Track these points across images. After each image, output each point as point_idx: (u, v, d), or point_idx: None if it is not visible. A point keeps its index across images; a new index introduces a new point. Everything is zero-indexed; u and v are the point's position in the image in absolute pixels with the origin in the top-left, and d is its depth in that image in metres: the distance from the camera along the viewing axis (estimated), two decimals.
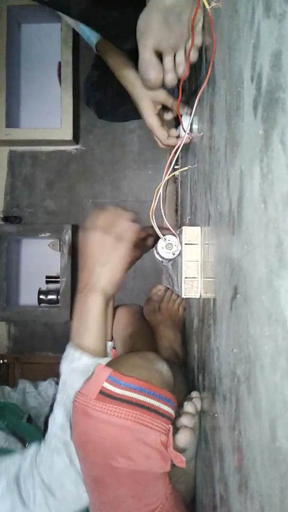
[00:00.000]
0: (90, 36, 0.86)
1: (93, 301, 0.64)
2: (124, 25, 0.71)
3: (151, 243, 0.83)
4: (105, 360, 0.62)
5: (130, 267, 0.69)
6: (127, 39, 0.72)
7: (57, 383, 0.95)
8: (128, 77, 0.81)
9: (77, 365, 0.62)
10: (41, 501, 0.59)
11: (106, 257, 0.64)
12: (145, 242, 0.84)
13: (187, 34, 0.62)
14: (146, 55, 0.65)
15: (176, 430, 0.60)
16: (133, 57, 0.75)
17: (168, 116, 0.82)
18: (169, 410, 0.56)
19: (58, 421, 0.60)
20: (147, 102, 0.80)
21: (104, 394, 0.54)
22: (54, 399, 0.65)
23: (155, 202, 0.67)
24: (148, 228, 0.80)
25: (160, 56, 0.66)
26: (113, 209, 0.68)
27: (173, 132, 0.81)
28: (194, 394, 0.68)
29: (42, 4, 0.71)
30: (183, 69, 0.65)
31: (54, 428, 0.60)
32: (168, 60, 0.65)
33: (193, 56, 0.64)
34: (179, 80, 0.68)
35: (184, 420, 0.62)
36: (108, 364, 0.59)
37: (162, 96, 0.79)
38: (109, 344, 0.68)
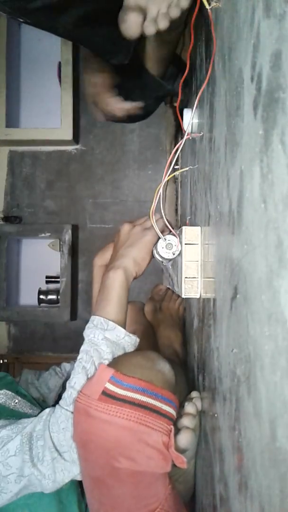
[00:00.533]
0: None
1: (115, 276, 0.67)
2: (111, 42, 0.72)
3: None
4: (133, 340, 0.66)
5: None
6: (115, 54, 0.73)
7: (57, 372, 0.97)
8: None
9: (110, 335, 0.64)
10: (48, 462, 0.60)
11: (132, 240, 0.70)
12: None
13: (166, 2, 0.63)
14: (129, 2, 0.65)
15: (177, 430, 0.60)
16: (120, 71, 0.76)
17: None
18: (171, 411, 0.56)
19: (78, 387, 0.61)
20: None
21: (107, 394, 0.54)
22: (61, 388, 0.67)
23: (155, 202, 0.67)
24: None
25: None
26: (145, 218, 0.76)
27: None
28: (194, 394, 0.68)
29: (27, 24, 0.71)
30: (164, 23, 0.65)
31: (73, 393, 0.61)
32: (150, 13, 0.65)
33: (174, 12, 0.64)
34: (178, 76, 0.68)
35: (185, 421, 0.62)
36: (110, 364, 0.59)
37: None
38: (134, 339, 0.68)
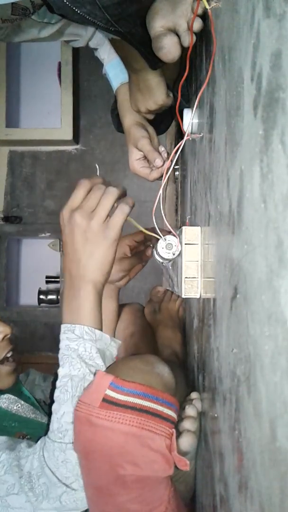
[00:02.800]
0: (117, 77, 0.89)
1: (84, 296, 0.59)
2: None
3: (150, 253, 0.83)
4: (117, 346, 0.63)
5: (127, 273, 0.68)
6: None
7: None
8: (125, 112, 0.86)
9: (100, 346, 0.59)
10: (55, 499, 0.58)
11: (92, 248, 0.58)
12: (144, 251, 0.83)
13: (190, 10, 0.62)
14: (156, 30, 0.64)
15: (178, 433, 0.60)
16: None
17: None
18: (172, 414, 0.56)
19: (68, 419, 0.57)
20: (131, 147, 0.87)
21: (107, 401, 0.54)
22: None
23: (156, 202, 0.67)
24: (139, 234, 0.78)
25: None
26: (94, 180, 0.62)
27: (158, 162, 0.85)
28: (194, 395, 0.68)
29: (116, 33, 0.66)
30: (197, 26, 0.62)
31: (64, 425, 0.57)
32: (182, 27, 0.64)
33: (197, 26, 0.62)
34: (180, 77, 0.68)
35: (187, 424, 0.62)
36: (108, 370, 0.59)
37: (144, 143, 0.84)
38: (117, 343, 0.66)
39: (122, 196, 0.61)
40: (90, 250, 0.58)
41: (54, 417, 0.59)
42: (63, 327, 0.60)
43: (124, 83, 0.88)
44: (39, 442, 0.62)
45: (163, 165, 0.85)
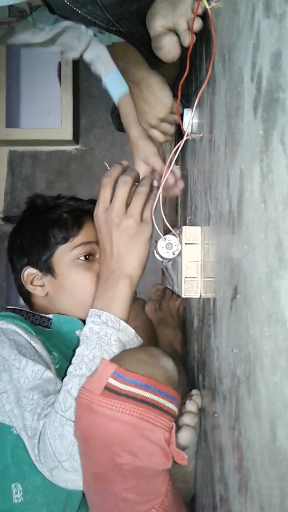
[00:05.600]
0: (117, 88, 0.86)
1: (123, 289, 0.63)
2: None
3: None
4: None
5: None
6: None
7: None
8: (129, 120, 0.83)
9: (123, 337, 0.61)
10: (48, 468, 0.58)
11: (132, 244, 0.64)
12: None
13: (190, 10, 0.61)
14: (156, 30, 0.63)
15: (178, 428, 0.60)
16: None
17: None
18: (173, 408, 0.56)
19: (74, 393, 0.58)
20: (139, 162, 0.85)
21: (109, 389, 0.54)
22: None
23: (155, 202, 0.67)
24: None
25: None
26: (113, 173, 0.66)
27: (170, 180, 0.84)
28: (194, 391, 0.68)
29: (118, 33, 0.65)
30: (197, 25, 0.62)
31: (69, 398, 0.58)
32: (181, 26, 0.64)
33: (196, 25, 0.62)
34: (180, 77, 0.68)
35: (187, 419, 0.62)
36: (113, 360, 0.59)
37: (157, 160, 0.83)
38: (140, 340, 0.66)
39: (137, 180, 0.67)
40: (131, 246, 0.63)
41: (62, 388, 0.60)
42: (91, 311, 0.63)
43: (125, 95, 0.86)
44: (46, 407, 0.61)
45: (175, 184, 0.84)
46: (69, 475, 0.57)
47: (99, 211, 0.65)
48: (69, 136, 1.87)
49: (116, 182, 0.65)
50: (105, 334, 0.60)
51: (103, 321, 0.61)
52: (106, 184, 0.66)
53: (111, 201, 0.65)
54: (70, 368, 0.61)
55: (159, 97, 0.78)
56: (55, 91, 1.94)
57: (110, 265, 0.64)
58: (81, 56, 0.88)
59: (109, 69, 0.85)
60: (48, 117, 1.99)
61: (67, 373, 0.61)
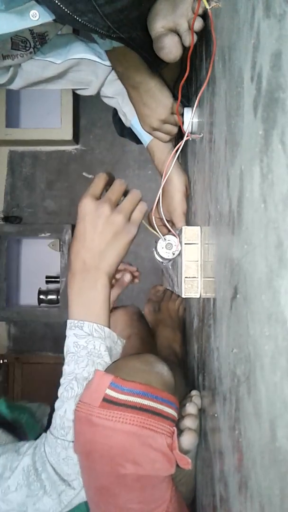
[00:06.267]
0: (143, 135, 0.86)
1: (101, 288, 0.59)
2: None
3: (128, 280, 0.83)
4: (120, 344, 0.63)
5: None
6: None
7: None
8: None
9: (109, 343, 0.60)
10: (55, 497, 0.58)
11: (114, 240, 0.60)
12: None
13: (190, 10, 0.61)
14: (157, 31, 0.63)
15: (179, 432, 0.60)
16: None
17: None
18: (173, 413, 0.56)
19: (70, 417, 0.58)
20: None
21: (108, 401, 0.54)
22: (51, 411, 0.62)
23: (156, 202, 0.67)
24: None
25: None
26: (119, 182, 0.65)
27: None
28: (194, 392, 0.68)
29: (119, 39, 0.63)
30: (197, 25, 0.62)
31: (66, 422, 0.58)
32: (182, 27, 0.63)
33: (197, 25, 0.62)
34: (181, 77, 0.68)
35: (188, 422, 0.62)
36: (108, 370, 0.59)
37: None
38: (123, 342, 0.65)
39: (141, 198, 0.66)
40: (112, 243, 0.60)
41: (56, 414, 0.59)
42: (70, 322, 0.60)
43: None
44: (38, 439, 0.62)
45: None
46: (77, 492, 0.58)
47: (87, 197, 0.61)
48: (69, 136, 1.87)
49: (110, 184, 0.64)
50: (94, 347, 0.58)
51: (87, 332, 0.58)
52: (101, 177, 0.64)
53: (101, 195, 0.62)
54: (61, 390, 0.59)
55: (158, 99, 0.78)
56: (55, 91, 1.94)
57: (87, 260, 0.60)
58: (98, 92, 0.85)
59: (134, 112, 0.84)
60: (48, 117, 1.99)
61: (59, 395, 0.59)
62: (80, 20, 0.58)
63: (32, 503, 0.58)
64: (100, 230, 0.59)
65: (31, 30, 0.66)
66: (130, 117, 0.85)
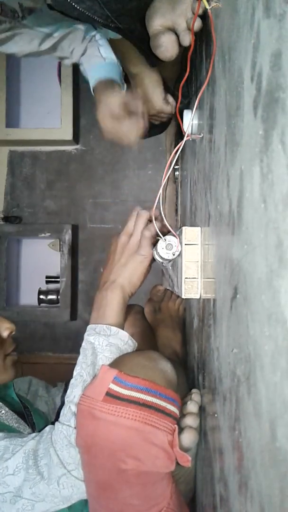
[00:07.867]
0: (94, 75, 0.86)
1: (113, 296, 0.67)
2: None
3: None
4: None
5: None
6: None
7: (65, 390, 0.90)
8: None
9: (114, 340, 0.64)
10: (55, 480, 0.58)
11: (126, 260, 0.69)
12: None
13: (190, 10, 0.61)
14: (155, 28, 0.63)
15: (180, 430, 0.60)
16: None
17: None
18: (175, 410, 0.56)
19: (77, 401, 0.59)
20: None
21: (111, 395, 0.54)
22: (61, 404, 0.64)
23: (156, 202, 0.67)
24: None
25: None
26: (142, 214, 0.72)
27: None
28: (194, 390, 0.68)
29: (116, 29, 0.66)
30: (197, 25, 0.62)
31: (73, 408, 0.59)
32: (180, 26, 0.63)
33: (197, 25, 0.62)
34: (181, 77, 0.68)
35: (189, 421, 0.62)
36: (112, 365, 0.59)
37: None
38: (135, 343, 0.68)
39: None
40: (125, 261, 0.69)
41: (66, 400, 0.62)
42: (88, 328, 0.67)
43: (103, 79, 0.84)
44: (47, 428, 0.64)
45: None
46: (78, 482, 0.59)
47: (123, 235, 0.71)
48: (69, 136, 1.87)
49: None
50: (99, 343, 0.64)
51: (97, 332, 0.65)
52: (132, 217, 0.72)
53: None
54: (72, 381, 0.63)
55: (149, 98, 0.80)
56: (55, 91, 1.94)
57: (105, 278, 0.69)
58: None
59: (95, 60, 0.84)
60: (48, 117, 1.99)
61: (69, 385, 0.63)
62: (77, 7, 0.58)
63: (28, 487, 0.59)
64: (117, 252, 0.70)
65: (20, 4, 0.68)
66: (85, 62, 0.87)
